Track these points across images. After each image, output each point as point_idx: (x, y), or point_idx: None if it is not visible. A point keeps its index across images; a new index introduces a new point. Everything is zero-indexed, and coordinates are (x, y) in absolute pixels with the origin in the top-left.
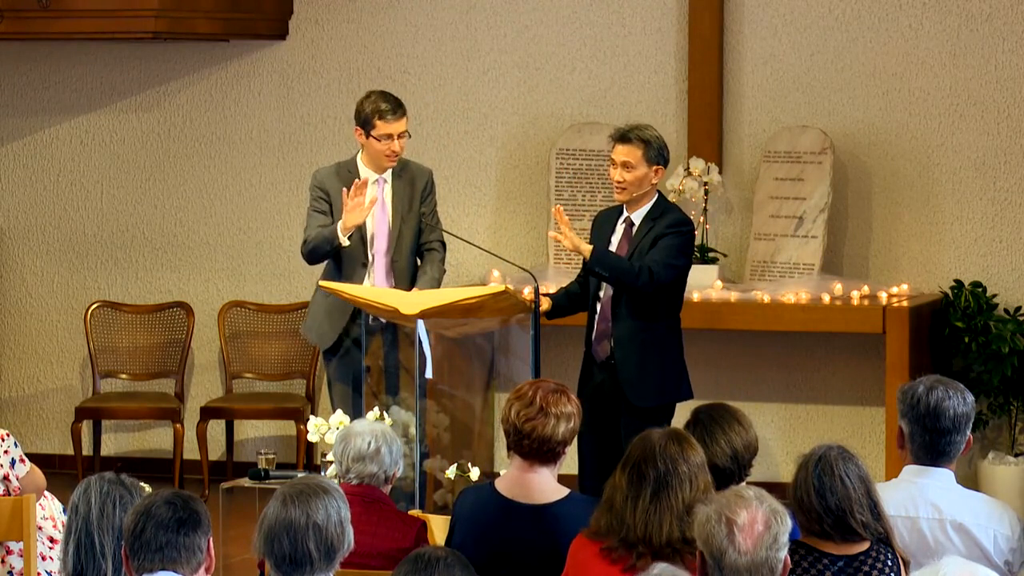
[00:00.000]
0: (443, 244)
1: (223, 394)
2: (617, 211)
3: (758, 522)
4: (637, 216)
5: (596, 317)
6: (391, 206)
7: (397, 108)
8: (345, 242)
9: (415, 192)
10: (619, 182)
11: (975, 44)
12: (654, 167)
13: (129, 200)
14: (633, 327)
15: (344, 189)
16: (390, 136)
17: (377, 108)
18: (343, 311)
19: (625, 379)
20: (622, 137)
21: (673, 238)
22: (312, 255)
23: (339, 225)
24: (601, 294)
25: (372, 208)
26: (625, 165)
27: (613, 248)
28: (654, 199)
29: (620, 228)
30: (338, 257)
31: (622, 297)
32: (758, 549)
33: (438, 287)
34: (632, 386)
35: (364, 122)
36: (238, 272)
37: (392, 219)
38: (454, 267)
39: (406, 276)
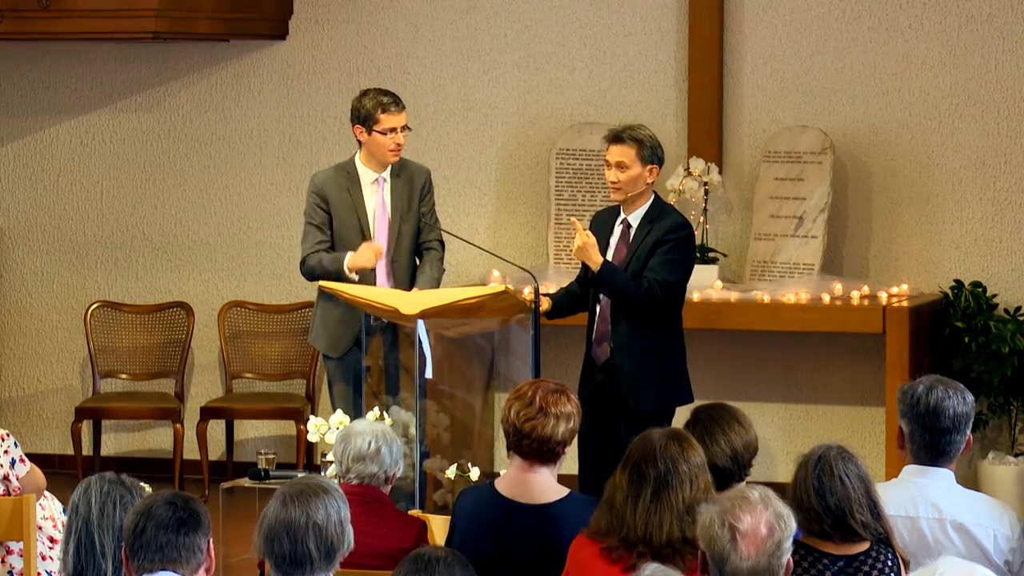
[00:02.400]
0: (442, 243)
1: (223, 394)
2: (614, 212)
3: (761, 528)
4: (634, 218)
5: (596, 319)
6: (390, 206)
7: (398, 101)
8: (353, 277)
9: (414, 191)
10: (614, 182)
11: (975, 44)
12: (648, 166)
13: (129, 200)
14: (632, 332)
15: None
16: (394, 129)
17: (379, 102)
18: (355, 317)
19: (626, 385)
20: (615, 138)
21: (672, 247)
22: (313, 278)
23: (345, 263)
24: (601, 297)
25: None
26: (619, 165)
27: (611, 251)
28: (651, 200)
29: (617, 230)
30: None
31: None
32: (760, 556)
33: (437, 287)
34: (632, 391)
35: (365, 118)
36: (238, 272)
37: (392, 219)
38: (454, 267)
39: (406, 276)
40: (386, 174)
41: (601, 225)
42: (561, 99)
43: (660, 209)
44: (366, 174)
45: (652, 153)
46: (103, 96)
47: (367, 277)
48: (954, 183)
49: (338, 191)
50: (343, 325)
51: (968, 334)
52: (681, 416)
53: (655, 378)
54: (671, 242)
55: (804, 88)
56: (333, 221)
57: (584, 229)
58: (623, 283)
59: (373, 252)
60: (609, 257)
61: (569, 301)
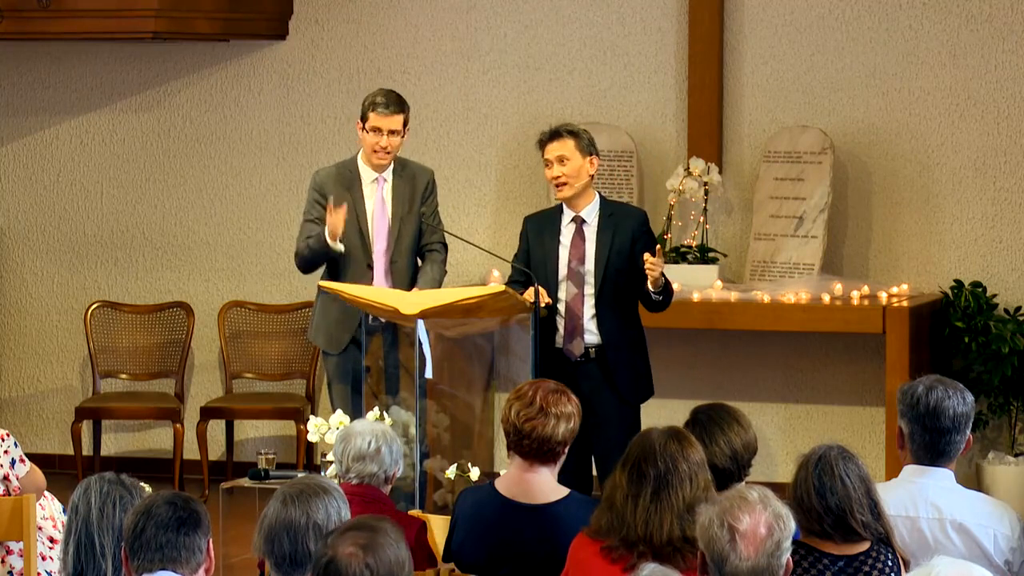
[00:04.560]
0: (444, 245)
1: (223, 394)
2: (555, 211)
3: (760, 528)
4: (588, 213)
5: (564, 316)
6: (390, 206)
7: (391, 104)
8: (339, 247)
9: (415, 192)
10: (557, 177)
11: (975, 44)
12: (588, 157)
13: (129, 200)
14: (619, 327)
15: (330, 203)
16: (378, 130)
17: (373, 101)
18: (353, 314)
19: (620, 379)
20: (552, 135)
21: (650, 240)
22: (305, 265)
23: (325, 233)
24: (561, 295)
25: (346, 212)
26: (560, 160)
27: (566, 248)
28: (597, 195)
29: (569, 228)
30: (340, 263)
31: (605, 298)
32: (760, 556)
33: (438, 287)
34: (626, 385)
35: (362, 115)
36: (238, 272)
37: (391, 219)
38: (454, 267)
39: (405, 277)
40: (387, 174)
41: (541, 225)
42: (561, 99)
43: (614, 204)
44: (367, 173)
45: (590, 144)
46: (103, 96)
47: (365, 278)
48: (954, 183)
49: (338, 189)
50: (341, 322)
51: (968, 334)
52: (681, 415)
53: (642, 370)
54: (648, 234)
55: (804, 88)
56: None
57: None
58: (670, 290)
59: (339, 214)
60: (566, 255)
61: None
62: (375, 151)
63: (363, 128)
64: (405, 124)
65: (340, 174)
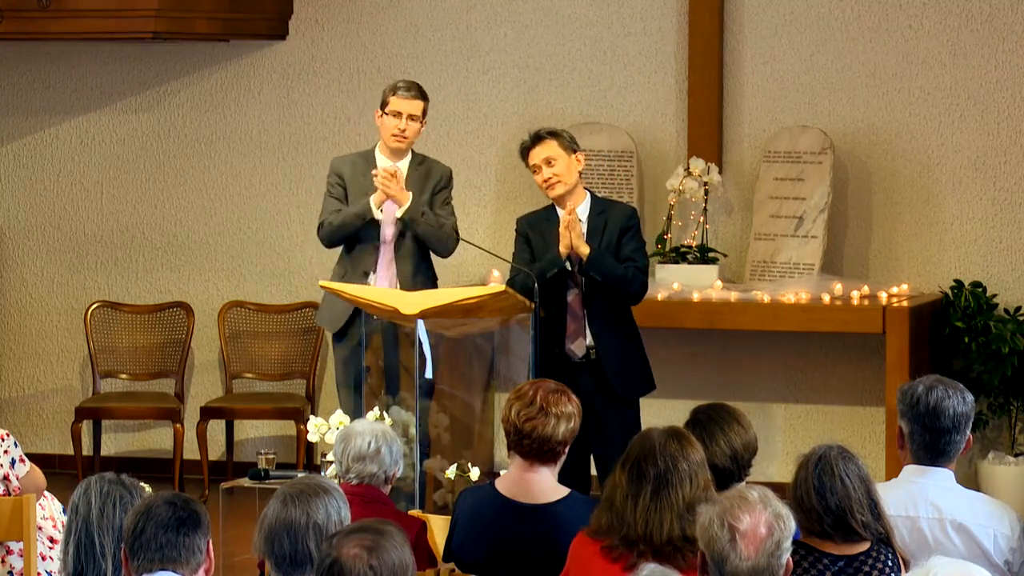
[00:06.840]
0: (456, 232)
1: (223, 394)
2: (547, 211)
3: (761, 528)
4: (581, 212)
5: (567, 316)
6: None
7: (413, 89)
8: (378, 214)
9: (428, 184)
10: (548, 179)
11: (975, 44)
12: (573, 155)
13: (129, 200)
14: (609, 323)
15: (373, 171)
16: (399, 113)
17: (394, 85)
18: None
19: (612, 374)
20: (534, 140)
21: (636, 234)
22: (334, 235)
23: (372, 198)
24: (569, 293)
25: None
26: (548, 161)
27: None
28: (588, 194)
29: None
30: (352, 241)
31: (596, 293)
32: (760, 556)
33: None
34: (619, 380)
35: (382, 101)
36: (238, 272)
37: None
38: (454, 267)
39: (408, 264)
40: (404, 162)
41: (537, 224)
42: (561, 99)
43: (605, 201)
44: (383, 162)
45: (572, 141)
46: (103, 96)
47: (368, 265)
48: (954, 183)
49: (354, 174)
50: (344, 305)
51: (968, 334)
52: (681, 415)
53: (636, 365)
54: (634, 228)
55: (804, 88)
56: (348, 202)
57: (576, 219)
58: (614, 267)
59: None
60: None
61: None
62: (393, 134)
63: (382, 114)
64: (424, 113)
65: (356, 161)
